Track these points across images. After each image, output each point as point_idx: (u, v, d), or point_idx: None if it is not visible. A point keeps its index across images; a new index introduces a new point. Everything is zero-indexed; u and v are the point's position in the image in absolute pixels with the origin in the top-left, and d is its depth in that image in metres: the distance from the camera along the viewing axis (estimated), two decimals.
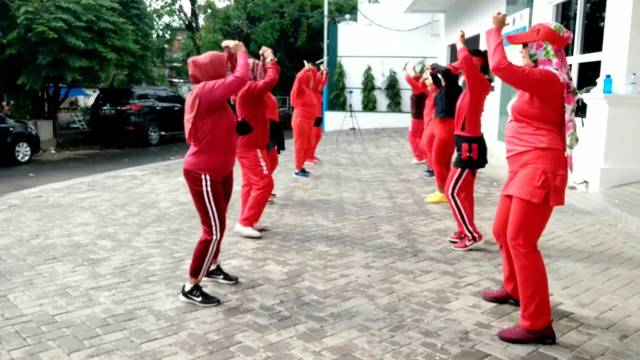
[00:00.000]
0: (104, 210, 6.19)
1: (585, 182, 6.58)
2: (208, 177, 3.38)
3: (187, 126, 3.36)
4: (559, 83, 2.81)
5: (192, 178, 3.41)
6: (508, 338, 2.93)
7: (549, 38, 2.86)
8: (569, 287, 3.71)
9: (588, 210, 5.85)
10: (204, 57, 3.46)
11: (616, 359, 2.74)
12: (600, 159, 6.43)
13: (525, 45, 2.95)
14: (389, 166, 9.60)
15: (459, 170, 4.55)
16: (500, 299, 3.45)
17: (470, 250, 4.56)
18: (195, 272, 3.47)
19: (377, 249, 4.62)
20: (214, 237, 3.44)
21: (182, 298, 3.49)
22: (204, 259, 3.45)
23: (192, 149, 3.43)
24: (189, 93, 3.46)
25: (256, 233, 4.98)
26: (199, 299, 3.44)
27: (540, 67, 2.90)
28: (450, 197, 4.62)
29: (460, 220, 4.60)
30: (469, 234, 4.59)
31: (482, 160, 4.58)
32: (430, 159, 8.01)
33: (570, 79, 2.87)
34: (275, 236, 5.05)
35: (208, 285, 3.77)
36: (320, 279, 3.90)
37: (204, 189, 3.38)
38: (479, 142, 4.53)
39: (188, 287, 3.49)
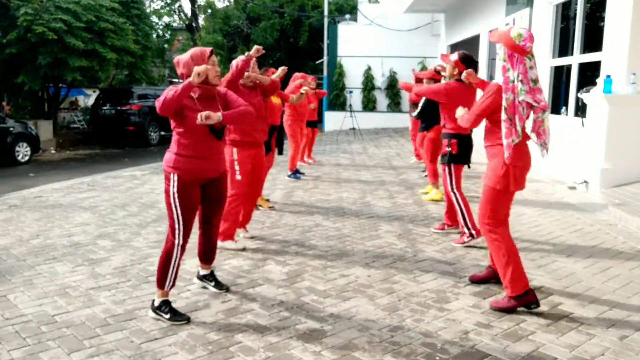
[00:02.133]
0: (104, 210, 6.19)
1: (585, 182, 6.57)
2: (176, 177, 3.20)
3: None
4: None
5: (164, 176, 3.28)
6: (498, 307, 3.29)
7: (503, 40, 3.13)
8: (569, 287, 3.71)
9: (588, 210, 5.85)
10: (186, 53, 3.34)
11: (616, 359, 2.75)
12: (600, 159, 6.43)
13: None
14: (389, 166, 9.60)
15: (446, 166, 4.78)
16: (487, 279, 3.75)
17: (470, 247, 4.57)
18: (160, 282, 3.25)
19: (377, 249, 4.62)
20: (176, 241, 3.22)
21: (151, 314, 3.26)
22: (168, 267, 3.22)
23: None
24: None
25: (239, 246, 4.62)
26: (167, 315, 3.20)
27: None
28: (451, 193, 4.76)
29: (460, 216, 4.69)
30: (467, 231, 4.65)
31: (463, 157, 4.78)
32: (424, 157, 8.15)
33: (521, 81, 3.12)
34: (275, 236, 5.04)
35: (209, 286, 3.77)
36: (320, 279, 3.90)
37: (171, 188, 3.21)
38: (459, 138, 4.71)
39: (157, 301, 3.26)
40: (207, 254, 3.66)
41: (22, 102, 18.77)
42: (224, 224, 4.50)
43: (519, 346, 2.87)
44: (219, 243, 4.50)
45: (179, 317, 3.21)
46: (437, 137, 6.13)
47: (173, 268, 3.24)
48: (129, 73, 19.30)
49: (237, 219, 4.68)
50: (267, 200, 6.38)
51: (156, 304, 3.26)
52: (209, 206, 3.46)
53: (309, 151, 10.03)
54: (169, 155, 3.27)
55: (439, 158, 4.93)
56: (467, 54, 4.59)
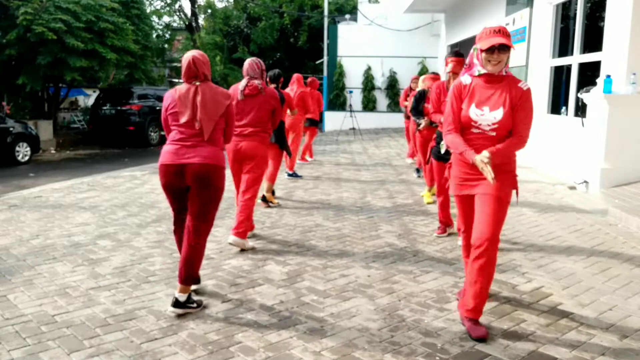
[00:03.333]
0: (104, 210, 6.19)
1: (585, 182, 6.58)
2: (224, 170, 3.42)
3: (210, 125, 3.28)
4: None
5: (218, 172, 3.32)
6: (480, 336, 2.92)
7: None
8: (569, 287, 3.71)
9: (588, 210, 5.85)
10: (201, 54, 3.44)
11: (616, 359, 2.75)
12: (600, 159, 6.43)
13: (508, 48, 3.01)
14: (389, 166, 9.60)
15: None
16: None
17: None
18: (191, 279, 3.31)
19: (377, 249, 4.62)
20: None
21: (176, 310, 3.23)
22: (202, 260, 3.43)
23: (207, 145, 3.28)
24: (200, 90, 3.29)
25: (251, 244, 4.68)
26: (195, 304, 3.32)
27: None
28: None
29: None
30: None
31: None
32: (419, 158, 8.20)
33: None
34: (275, 236, 5.05)
35: (208, 285, 3.77)
36: (320, 279, 3.90)
37: (224, 181, 3.39)
38: None
39: (183, 297, 3.26)
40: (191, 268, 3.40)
41: (22, 102, 18.77)
42: (246, 223, 4.59)
43: (519, 346, 2.87)
44: (241, 241, 4.52)
45: (200, 301, 3.38)
46: (428, 136, 5.97)
47: None
48: (129, 73, 19.29)
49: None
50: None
51: (183, 299, 3.26)
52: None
53: (296, 152, 10.11)
54: (217, 151, 3.32)
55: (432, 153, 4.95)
56: (454, 51, 4.81)
